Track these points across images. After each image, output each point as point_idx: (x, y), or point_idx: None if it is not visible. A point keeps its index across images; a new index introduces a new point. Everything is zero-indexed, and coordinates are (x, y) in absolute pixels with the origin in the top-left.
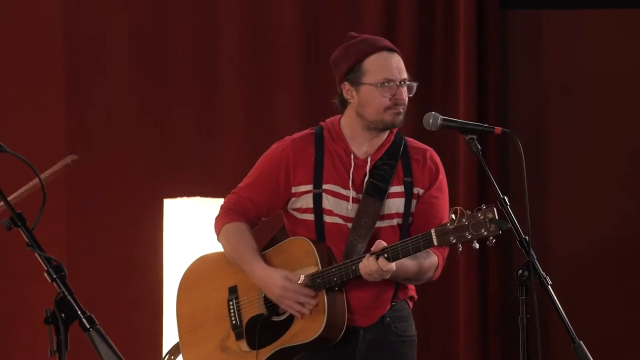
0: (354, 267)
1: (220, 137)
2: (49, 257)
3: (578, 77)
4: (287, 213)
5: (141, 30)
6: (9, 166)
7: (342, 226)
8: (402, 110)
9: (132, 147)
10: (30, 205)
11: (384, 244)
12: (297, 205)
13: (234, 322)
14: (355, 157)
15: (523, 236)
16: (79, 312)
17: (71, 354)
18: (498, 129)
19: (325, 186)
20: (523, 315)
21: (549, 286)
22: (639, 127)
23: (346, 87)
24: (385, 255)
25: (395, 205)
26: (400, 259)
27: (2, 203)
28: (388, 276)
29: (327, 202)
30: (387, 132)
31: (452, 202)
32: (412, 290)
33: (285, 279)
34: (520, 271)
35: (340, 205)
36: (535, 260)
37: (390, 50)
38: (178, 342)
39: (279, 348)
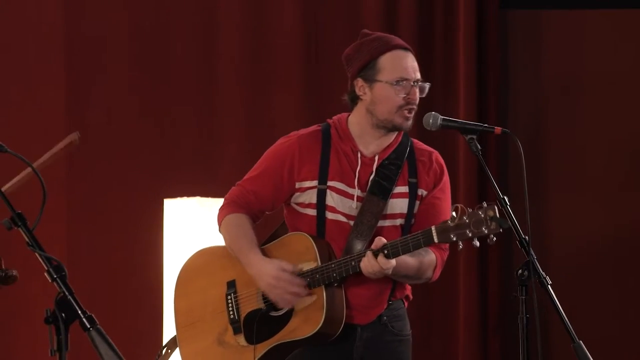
0: (353, 264)
1: (220, 137)
2: (49, 256)
3: (578, 77)
4: (289, 206)
5: (141, 30)
6: (9, 166)
7: (344, 223)
8: (413, 110)
9: (132, 147)
10: (30, 205)
11: (384, 240)
12: (301, 200)
13: (232, 316)
14: (362, 155)
15: (523, 236)
16: (80, 312)
17: (71, 353)
18: (498, 129)
19: (330, 183)
20: (523, 315)
21: (549, 286)
22: (638, 127)
23: (359, 83)
24: (386, 252)
25: (398, 205)
26: (400, 255)
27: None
28: (389, 273)
29: (331, 198)
30: (395, 133)
31: (452, 202)
32: (407, 290)
33: (279, 268)
34: (520, 271)
35: (344, 203)
36: (535, 260)
37: (405, 49)
38: (175, 336)
39: (277, 343)
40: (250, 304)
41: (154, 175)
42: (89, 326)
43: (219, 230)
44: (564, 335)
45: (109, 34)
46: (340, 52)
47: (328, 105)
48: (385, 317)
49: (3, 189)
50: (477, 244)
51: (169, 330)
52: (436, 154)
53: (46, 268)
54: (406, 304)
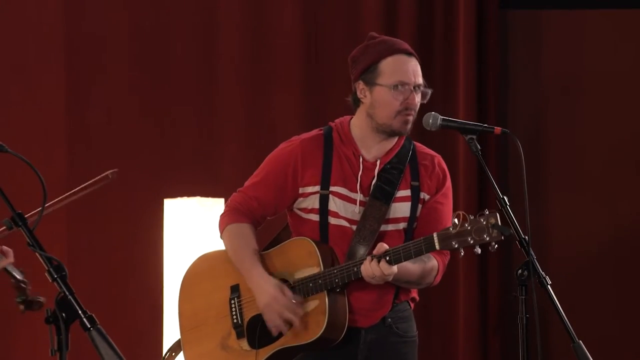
0: (355, 269)
1: (220, 137)
2: (49, 256)
3: (578, 77)
4: (292, 212)
5: (141, 30)
6: (9, 166)
7: (347, 229)
8: (412, 116)
9: (132, 147)
10: (30, 204)
11: (386, 246)
12: (303, 205)
13: (235, 320)
14: (364, 160)
15: (523, 236)
16: (80, 312)
17: (72, 353)
18: (498, 129)
19: (332, 188)
20: (523, 315)
21: (549, 286)
22: (638, 127)
23: (360, 86)
24: (387, 258)
25: (401, 209)
26: (401, 262)
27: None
28: (390, 279)
29: (334, 204)
30: (396, 137)
31: (452, 203)
32: (414, 292)
33: (280, 290)
34: (519, 271)
35: (347, 208)
36: (535, 260)
37: (408, 53)
38: (179, 340)
39: (280, 348)
40: (253, 309)
41: (154, 175)
42: (89, 326)
43: (221, 237)
44: (564, 335)
45: (109, 34)
46: (341, 52)
47: (328, 105)
48: (389, 319)
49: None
50: (479, 251)
51: (169, 330)
52: (439, 158)
53: (47, 268)
54: (412, 305)
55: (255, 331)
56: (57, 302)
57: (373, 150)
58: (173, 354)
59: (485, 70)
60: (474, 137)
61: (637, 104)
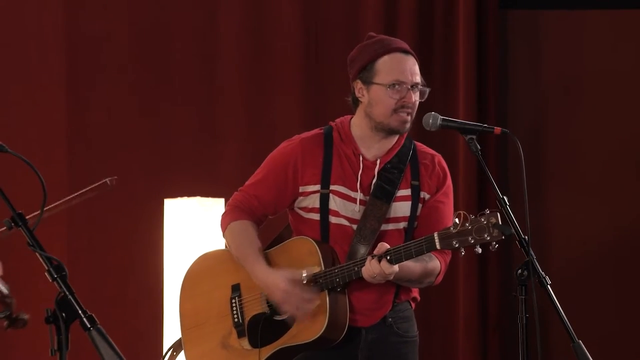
0: (356, 269)
1: (220, 137)
2: (49, 256)
3: (577, 77)
4: (293, 211)
5: (141, 30)
6: (9, 166)
7: (347, 227)
8: (409, 114)
9: (132, 147)
10: (30, 205)
11: (387, 246)
12: (304, 205)
13: (236, 319)
14: (364, 159)
15: (522, 236)
16: (80, 312)
17: (72, 353)
18: (497, 129)
19: (332, 187)
20: (522, 315)
21: (548, 286)
22: (638, 127)
23: (358, 85)
24: (388, 258)
25: (401, 208)
26: (402, 261)
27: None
28: (391, 278)
29: (334, 203)
30: (396, 136)
31: (453, 202)
32: (414, 292)
33: (288, 281)
34: (519, 271)
35: (347, 207)
36: (535, 260)
37: (405, 52)
38: (180, 339)
39: (281, 347)
40: (254, 308)
41: (155, 175)
42: (89, 326)
43: (223, 236)
44: (564, 335)
45: (109, 34)
46: (341, 52)
47: (328, 105)
48: (390, 319)
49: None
50: (480, 250)
51: (169, 330)
52: (439, 158)
53: (47, 268)
54: (413, 305)
55: (256, 330)
56: (57, 302)
57: (373, 149)
58: (174, 353)
59: (485, 70)
60: (474, 137)
61: (637, 104)
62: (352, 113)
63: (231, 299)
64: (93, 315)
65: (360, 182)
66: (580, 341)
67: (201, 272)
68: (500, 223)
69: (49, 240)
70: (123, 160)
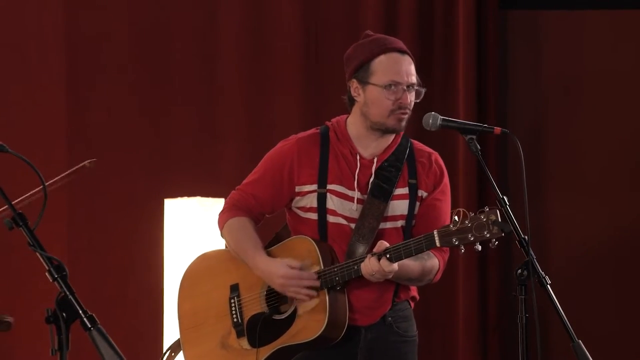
0: (356, 267)
1: (220, 137)
2: (50, 256)
3: (577, 77)
4: (291, 211)
5: (141, 30)
6: (9, 166)
7: (345, 227)
8: (405, 114)
9: (132, 147)
10: (31, 204)
11: (387, 244)
12: (301, 204)
13: (235, 319)
14: (361, 157)
15: (522, 236)
16: (80, 312)
17: (72, 353)
18: (497, 129)
19: (329, 186)
20: (522, 315)
21: (548, 286)
22: (638, 127)
23: (354, 84)
24: (388, 256)
25: (399, 207)
26: (402, 259)
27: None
28: (390, 276)
29: (332, 202)
30: (393, 134)
31: (452, 202)
32: (414, 291)
33: (286, 266)
34: (519, 271)
35: (345, 206)
36: (535, 260)
37: (401, 52)
38: (179, 339)
39: (280, 347)
40: (253, 308)
41: (155, 175)
42: (89, 326)
43: (221, 234)
44: (564, 335)
45: (109, 34)
46: (340, 52)
47: (328, 105)
48: (389, 318)
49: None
50: (479, 248)
51: (169, 330)
52: (436, 155)
53: (47, 268)
54: (412, 304)
55: (255, 330)
56: (57, 301)
57: (370, 148)
58: (173, 353)
59: (485, 70)
60: (474, 137)
61: (637, 104)
62: (349, 112)
63: (230, 298)
64: (93, 315)
65: (358, 180)
66: (580, 341)
67: (200, 272)
68: (499, 220)
69: (49, 240)
70: (123, 160)
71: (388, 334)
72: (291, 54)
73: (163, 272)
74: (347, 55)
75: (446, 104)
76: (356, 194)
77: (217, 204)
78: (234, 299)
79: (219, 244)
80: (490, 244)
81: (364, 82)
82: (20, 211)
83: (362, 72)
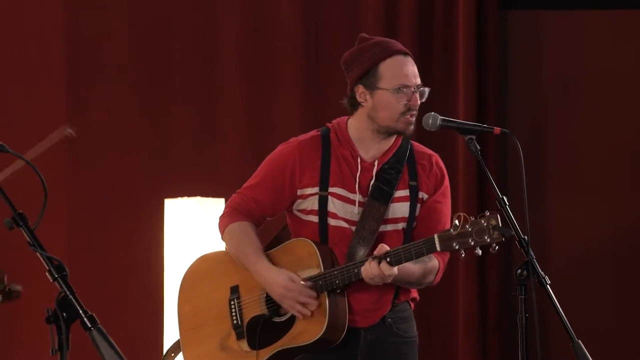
0: (356, 271)
1: (220, 137)
2: (50, 256)
3: (577, 77)
4: (291, 214)
5: (141, 30)
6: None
7: (346, 229)
8: (414, 117)
9: (132, 147)
10: (31, 204)
11: (387, 247)
12: (302, 207)
13: (235, 321)
14: (362, 160)
15: (522, 236)
16: (81, 312)
17: (72, 353)
18: (497, 129)
19: (331, 189)
20: (522, 315)
21: (548, 286)
22: (638, 127)
23: (360, 90)
24: (388, 260)
25: (400, 209)
26: (402, 263)
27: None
28: (390, 280)
29: (333, 205)
30: (394, 136)
31: (452, 203)
32: (414, 292)
33: (288, 278)
34: (519, 271)
35: (346, 209)
36: (534, 260)
37: (404, 54)
38: (179, 340)
39: (280, 349)
40: (253, 310)
41: (155, 175)
42: (90, 326)
43: (222, 238)
44: (563, 335)
45: (109, 34)
46: (340, 53)
47: (328, 105)
48: (389, 319)
49: None
50: (480, 252)
51: (169, 330)
52: (436, 157)
53: (47, 268)
54: (412, 305)
55: (255, 332)
56: (57, 301)
57: (371, 150)
58: (173, 354)
59: (485, 71)
60: (474, 137)
61: (637, 104)
62: (350, 115)
63: (230, 300)
64: (94, 315)
65: (359, 183)
66: (580, 341)
67: (200, 273)
68: (500, 225)
69: (50, 240)
70: (123, 160)
71: (388, 335)
72: (291, 54)
73: (163, 272)
74: (347, 60)
75: (446, 104)
76: (357, 197)
77: (217, 204)
78: (234, 301)
79: (219, 244)
80: (490, 249)
81: (371, 88)
82: (21, 211)
83: (368, 77)
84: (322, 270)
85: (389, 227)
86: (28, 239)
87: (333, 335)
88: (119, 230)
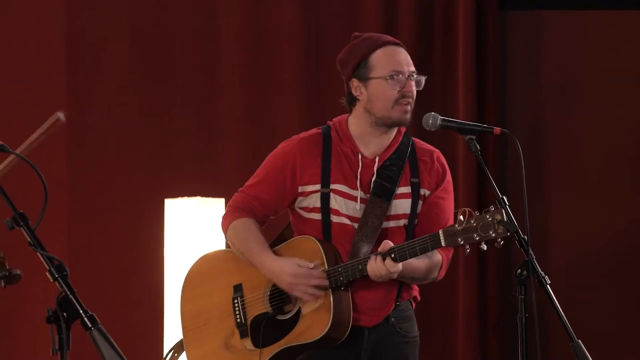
0: (360, 267)
1: (221, 137)
2: (51, 256)
3: (577, 77)
4: (294, 212)
5: (141, 30)
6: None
7: (348, 226)
8: (409, 104)
9: (132, 147)
10: (31, 204)
11: (391, 244)
12: (304, 205)
13: (238, 320)
14: (363, 157)
15: (522, 236)
16: (81, 311)
17: (73, 353)
18: (497, 130)
19: (333, 186)
20: (522, 315)
21: (548, 285)
22: (637, 128)
23: (354, 83)
24: (392, 256)
25: (402, 205)
26: (407, 259)
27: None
28: (395, 276)
29: (335, 202)
30: (394, 132)
31: (453, 198)
32: (415, 291)
33: (295, 265)
34: (519, 270)
35: (348, 206)
36: (534, 260)
37: (396, 44)
38: (181, 340)
39: (284, 347)
40: (256, 308)
41: (155, 175)
42: (90, 325)
43: (226, 236)
44: (563, 335)
45: (109, 34)
46: (340, 52)
47: (328, 105)
48: (393, 319)
49: None
50: (485, 247)
51: (169, 329)
52: (437, 153)
53: (48, 267)
54: (414, 304)
55: (259, 330)
56: (58, 301)
57: (372, 146)
58: (175, 354)
59: (484, 71)
60: (474, 137)
61: (636, 104)
62: (348, 114)
63: (233, 299)
64: (94, 314)
65: (360, 180)
66: (580, 340)
67: (202, 273)
68: (505, 219)
69: (50, 240)
70: (123, 161)
71: (391, 335)
72: (291, 54)
73: (163, 272)
74: (341, 58)
75: (446, 104)
76: (359, 194)
77: (217, 204)
78: (238, 300)
79: (219, 244)
80: (495, 244)
81: (365, 79)
82: (21, 211)
83: (361, 69)
84: (326, 268)
85: (392, 224)
86: (28, 239)
87: (337, 333)
88: (119, 230)
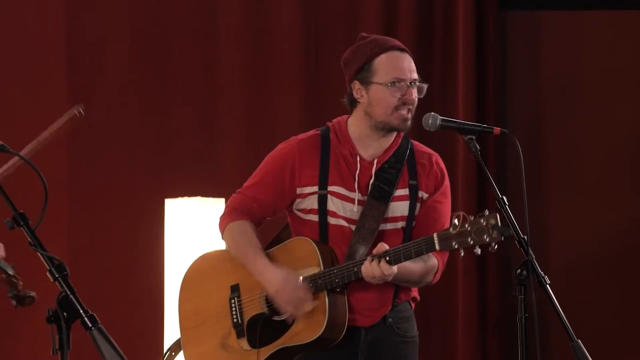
0: (355, 269)
1: (221, 137)
2: (51, 256)
3: (576, 77)
4: (292, 213)
5: (141, 30)
6: None
7: (346, 228)
8: (410, 111)
9: (133, 147)
10: (32, 204)
11: (386, 246)
12: (302, 206)
13: (235, 320)
14: (361, 159)
15: (522, 236)
16: (81, 311)
17: (73, 353)
18: (497, 130)
19: (330, 188)
20: (522, 315)
21: (547, 285)
22: (637, 128)
23: (356, 86)
24: (387, 258)
25: (399, 208)
26: (401, 262)
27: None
28: (390, 279)
29: (332, 203)
30: (394, 135)
31: (452, 202)
32: (414, 292)
33: (285, 277)
34: (518, 270)
35: (345, 208)
36: (534, 260)
37: (401, 50)
38: (179, 339)
39: (280, 347)
40: (253, 308)
41: (155, 175)
42: (90, 325)
43: (222, 237)
44: (563, 335)
45: (109, 34)
46: (340, 53)
47: (328, 105)
48: (390, 319)
49: None
50: (479, 251)
51: (169, 329)
52: (436, 157)
53: (48, 267)
54: (413, 305)
55: (255, 330)
56: (58, 301)
57: (370, 149)
58: (173, 353)
59: (484, 71)
60: (473, 137)
61: (636, 104)
62: (349, 114)
63: (230, 299)
64: (94, 314)
65: (358, 182)
66: (579, 340)
67: (200, 272)
68: (499, 224)
69: (50, 240)
70: (123, 160)
71: (389, 335)
72: (291, 54)
73: (163, 272)
74: (346, 58)
75: (446, 104)
76: (357, 196)
77: (217, 204)
78: (234, 300)
79: (219, 244)
80: (489, 248)
81: (366, 83)
82: (22, 211)
83: (364, 72)
84: (322, 269)
85: (389, 226)
86: (29, 239)
87: (332, 334)
88: (119, 230)
